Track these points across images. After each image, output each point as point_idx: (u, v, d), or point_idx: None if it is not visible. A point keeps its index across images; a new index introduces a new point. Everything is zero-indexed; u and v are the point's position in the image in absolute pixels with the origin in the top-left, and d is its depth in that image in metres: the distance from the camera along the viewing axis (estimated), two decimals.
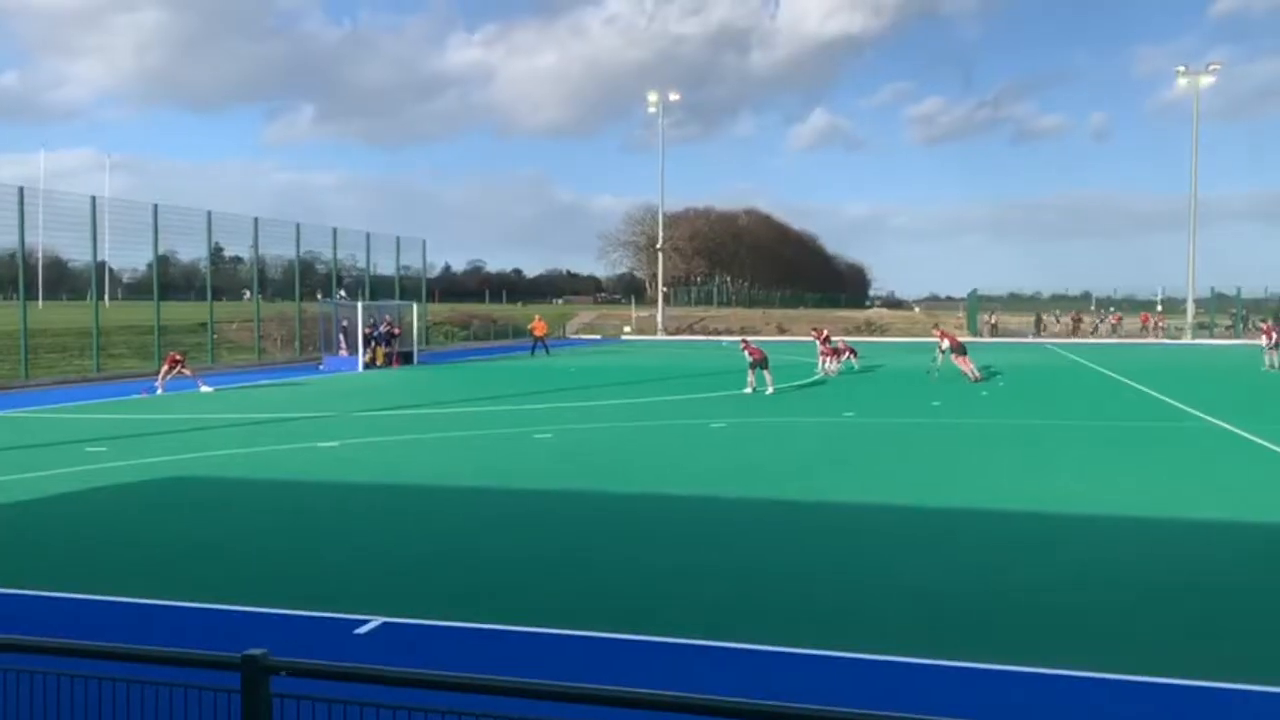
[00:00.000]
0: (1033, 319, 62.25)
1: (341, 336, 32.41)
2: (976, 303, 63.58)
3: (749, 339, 24.84)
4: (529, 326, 41.74)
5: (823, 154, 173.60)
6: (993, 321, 61.19)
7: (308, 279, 39.37)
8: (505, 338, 54.39)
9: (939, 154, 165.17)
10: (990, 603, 6.76)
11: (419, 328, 37.46)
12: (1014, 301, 71.00)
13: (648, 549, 8.27)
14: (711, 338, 60.86)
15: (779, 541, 8.49)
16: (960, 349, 25.55)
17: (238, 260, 43.79)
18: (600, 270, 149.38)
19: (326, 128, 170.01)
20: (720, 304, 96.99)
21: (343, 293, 35.81)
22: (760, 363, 21.71)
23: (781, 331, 63.11)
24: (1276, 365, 29.97)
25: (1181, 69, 56.36)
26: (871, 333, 62.19)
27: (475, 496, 10.55)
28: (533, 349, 39.12)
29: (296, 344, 35.99)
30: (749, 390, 21.76)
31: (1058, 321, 61.89)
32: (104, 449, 13.69)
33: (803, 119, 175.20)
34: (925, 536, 8.67)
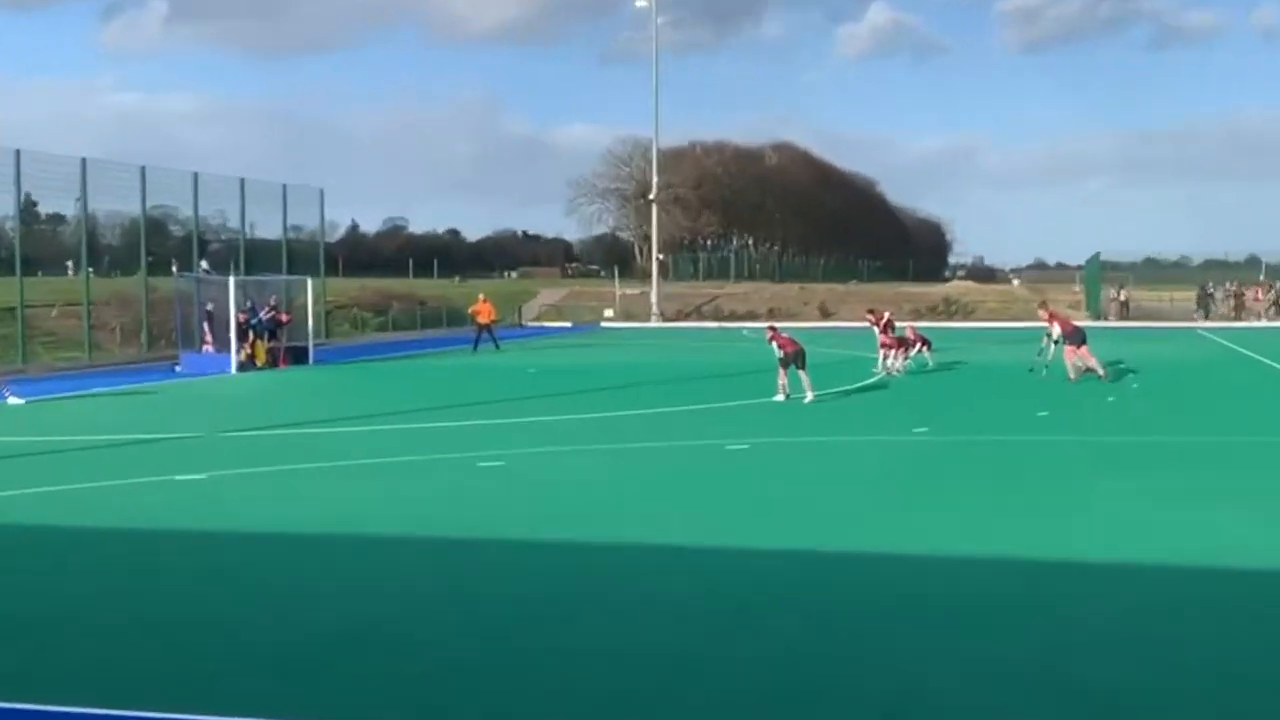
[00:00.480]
0: (1193, 295, 62.05)
1: (206, 326, 32.27)
2: (1099, 272, 63.84)
3: (779, 326, 24.83)
4: (470, 311, 41.72)
5: (883, 66, 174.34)
6: (1122, 298, 61.47)
7: (158, 245, 39.27)
8: (437, 326, 54.32)
9: (1045, 65, 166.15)
10: (1119, 699, 6.76)
11: (316, 312, 37.38)
12: (1151, 270, 71.19)
13: (635, 628, 8.23)
14: (727, 324, 60.96)
15: (823, 616, 8.46)
16: (1077, 337, 25.64)
17: (59, 219, 43.62)
18: (571, 231, 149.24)
19: (185, 31, 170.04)
20: (739, 277, 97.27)
21: (204, 264, 35.70)
22: (795, 359, 21.71)
23: (826, 315, 63.31)
24: None
25: None
26: (952, 315, 62.43)
27: (395, 552, 10.49)
28: (476, 342, 39.11)
29: (143, 336, 35.88)
30: (780, 397, 21.77)
31: (1210, 298, 61.87)
32: None
33: (855, 17, 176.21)
34: (1025, 604, 8.65)
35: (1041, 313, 27.30)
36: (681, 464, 15.26)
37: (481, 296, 41.62)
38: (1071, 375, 24.78)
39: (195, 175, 38.01)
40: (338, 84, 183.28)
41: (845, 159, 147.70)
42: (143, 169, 35.68)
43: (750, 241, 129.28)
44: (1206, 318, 58.09)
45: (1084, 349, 25.29)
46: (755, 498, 12.78)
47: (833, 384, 24.46)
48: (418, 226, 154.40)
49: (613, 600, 8.90)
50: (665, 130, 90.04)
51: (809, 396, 21.59)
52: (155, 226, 40.42)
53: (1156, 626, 8.11)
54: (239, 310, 31.18)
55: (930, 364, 29.13)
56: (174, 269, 37.30)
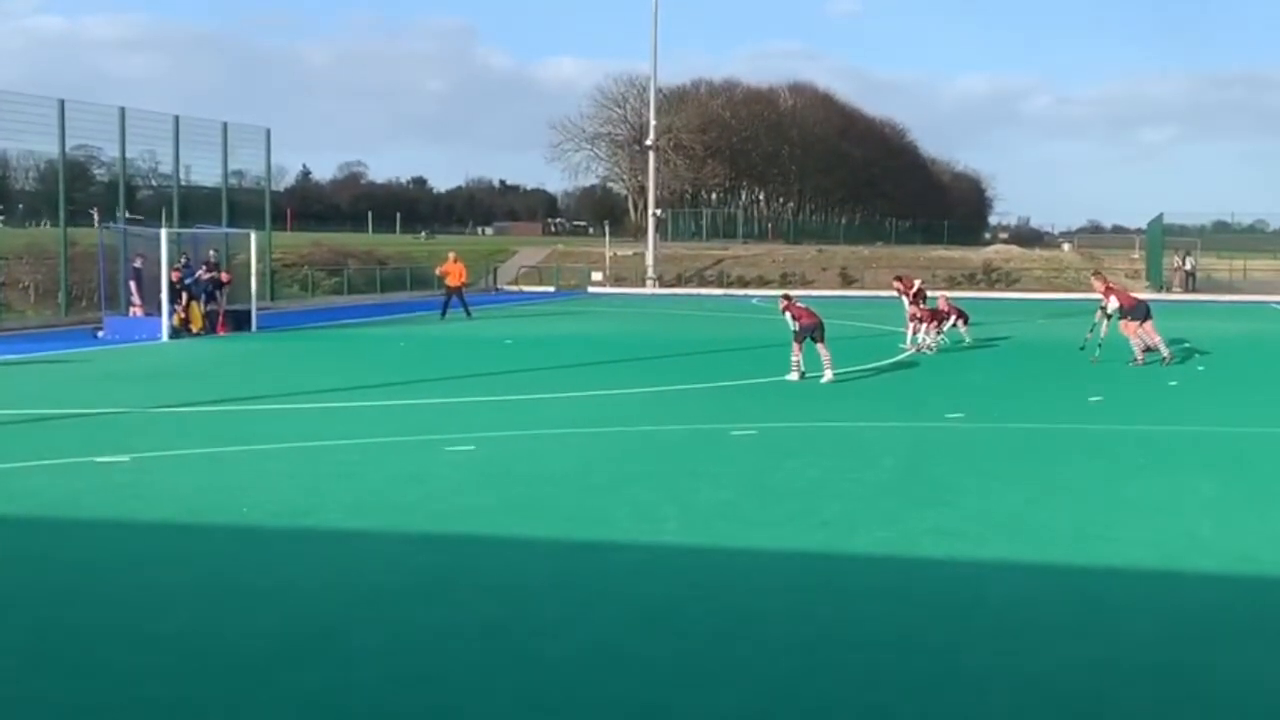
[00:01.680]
0: (1271, 265, 62.03)
1: (134, 285, 32.20)
2: (1161, 237, 63.79)
3: (794, 294, 24.80)
4: (438, 272, 41.66)
5: None
6: (1188, 267, 61.45)
7: (80, 191, 39.15)
8: (399, 288, 54.26)
9: None
10: None
11: (260, 271, 37.30)
12: (1222, 235, 71.12)
13: (622, 636, 8.24)
14: (734, 291, 60.95)
15: (838, 625, 8.48)
16: (1138, 311, 25.60)
17: None
18: (554, 182, 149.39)
19: None
20: (748, 236, 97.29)
21: (125, 215, 35.56)
22: (811, 332, 21.70)
23: (848, 282, 63.34)
24: None
25: None
26: (993, 284, 62.43)
27: (347, 547, 10.50)
28: (444, 307, 39.09)
29: (61, 297, 35.79)
30: (794, 376, 21.77)
31: None
32: None
33: None
34: (1066, 616, 8.66)
35: (1095, 283, 27.24)
36: (679, 451, 15.24)
37: (451, 256, 41.52)
38: (1138, 356, 24.71)
39: (122, 111, 37.80)
40: (289, 7, 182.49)
41: (873, 103, 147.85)
42: (61, 103, 35.49)
43: (761, 196, 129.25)
44: None
45: (1148, 325, 25.22)
46: (763, 490, 12.77)
47: (855, 361, 24.46)
48: (378, 174, 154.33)
49: (597, 604, 8.90)
50: (666, 66, 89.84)
51: (827, 375, 21.58)
52: (76, 170, 40.28)
53: (1216, 648, 8.13)
54: (171, 268, 31.09)
55: (966, 340, 29.11)
56: (97, 220, 37.20)
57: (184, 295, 31.48)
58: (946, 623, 8.49)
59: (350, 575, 9.65)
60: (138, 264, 32.37)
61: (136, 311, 31.94)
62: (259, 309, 34.79)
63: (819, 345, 21.70)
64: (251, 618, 8.54)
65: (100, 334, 30.90)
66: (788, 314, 22.09)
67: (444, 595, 9.12)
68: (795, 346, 21.88)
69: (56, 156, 36.20)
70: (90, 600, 8.98)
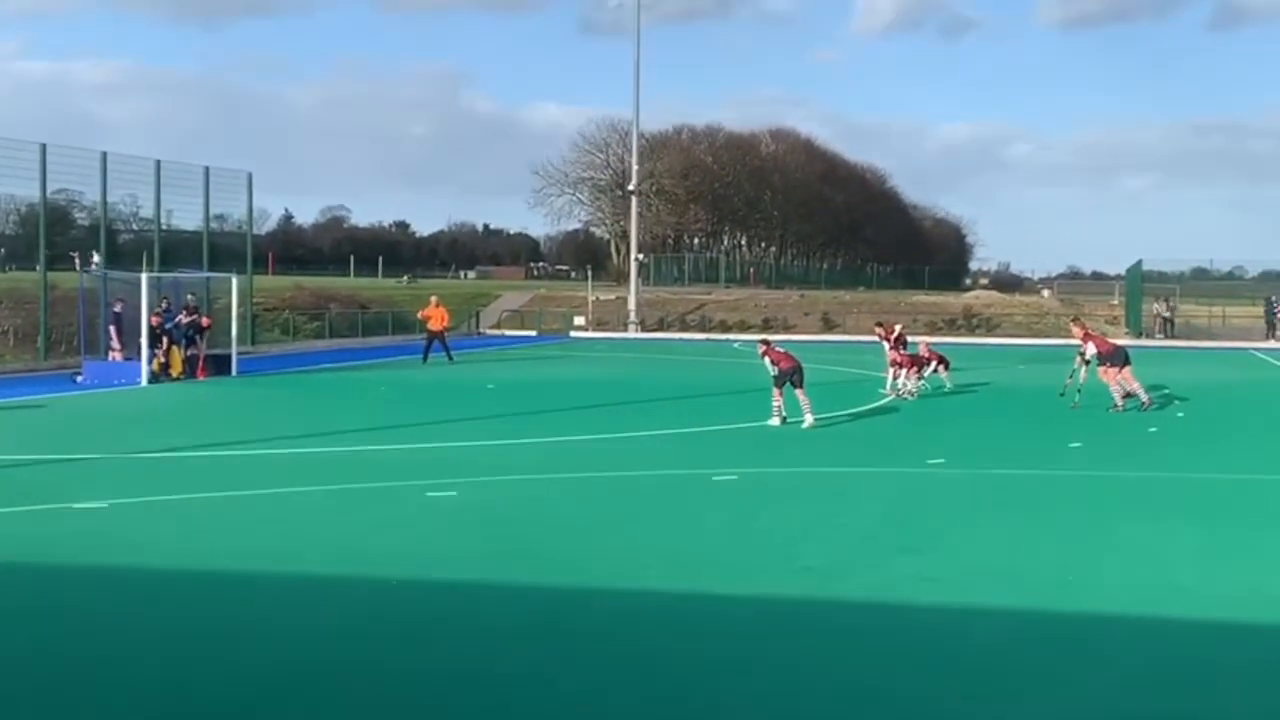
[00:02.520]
0: (1247, 311, 62.27)
1: (114, 329, 32.09)
2: (1140, 283, 64.17)
3: (773, 339, 24.85)
4: (420, 315, 41.66)
5: (902, 43, 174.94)
6: (1167, 313, 61.77)
7: (59, 235, 39.05)
8: (381, 332, 54.20)
9: (1089, 45, 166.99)
10: None
11: (241, 315, 37.24)
12: (1201, 282, 71.56)
13: (603, 685, 8.20)
14: (715, 335, 61.04)
15: (822, 671, 8.44)
16: (1117, 357, 25.71)
17: None
18: (537, 226, 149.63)
19: None
20: (730, 281, 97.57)
21: (95, 257, 35.43)
22: (791, 376, 21.74)
23: (828, 326, 63.49)
24: None
25: None
26: (973, 330, 62.62)
27: (326, 594, 10.44)
28: (426, 352, 39.08)
29: (40, 341, 35.65)
30: (775, 421, 21.79)
31: (1276, 315, 62.13)
32: None
33: None
34: (1059, 663, 8.64)
35: (1074, 329, 27.37)
36: (660, 496, 15.22)
37: (433, 300, 41.54)
38: (1118, 402, 24.79)
39: (104, 155, 37.75)
40: (275, 53, 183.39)
41: (855, 149, 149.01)
42: (43, 147, 35.43)
43: (743, 241, 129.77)
44: (1273, 337, 57.62)
45: (1126, 371, 25.32)
46: (745, 536, 12.75)
47: (835, 406, 24.48)
48: (361, 218, 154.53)
49: (578, 650, 8.86)
50: (649, 113, 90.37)
51: (808, 420, 21.59)
52: (57, 214, 40.25)
53: (1200, 695, 8.12)
54: (152, 312, 31.02)
55: (947, 385, 29.15)
56: (78, 263, 37.12)
57: (164, 340, 31.38)
58: (929, 669, 8.47)
59: (329, 621, 9.59)
60: (118, 308, 32.30)
61: (116, 356, 31.81)
62: (240, 353, 34.70)
63: (797, 390, 21.71)
64: (228, 664, 8.47)
65: (79, 379, 30.76)
66: (767, 359, 22.16)
67: (424, 642, 9.06)
68: (775, 391, 21.93)
69: (38, 200, 36.18)
70: (65, 647, 8.90)
